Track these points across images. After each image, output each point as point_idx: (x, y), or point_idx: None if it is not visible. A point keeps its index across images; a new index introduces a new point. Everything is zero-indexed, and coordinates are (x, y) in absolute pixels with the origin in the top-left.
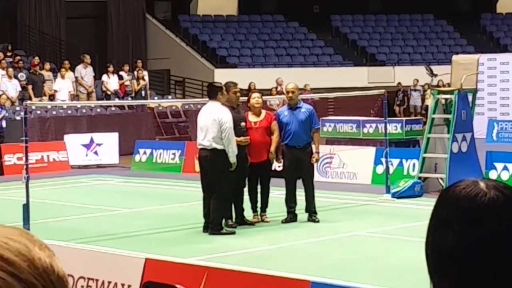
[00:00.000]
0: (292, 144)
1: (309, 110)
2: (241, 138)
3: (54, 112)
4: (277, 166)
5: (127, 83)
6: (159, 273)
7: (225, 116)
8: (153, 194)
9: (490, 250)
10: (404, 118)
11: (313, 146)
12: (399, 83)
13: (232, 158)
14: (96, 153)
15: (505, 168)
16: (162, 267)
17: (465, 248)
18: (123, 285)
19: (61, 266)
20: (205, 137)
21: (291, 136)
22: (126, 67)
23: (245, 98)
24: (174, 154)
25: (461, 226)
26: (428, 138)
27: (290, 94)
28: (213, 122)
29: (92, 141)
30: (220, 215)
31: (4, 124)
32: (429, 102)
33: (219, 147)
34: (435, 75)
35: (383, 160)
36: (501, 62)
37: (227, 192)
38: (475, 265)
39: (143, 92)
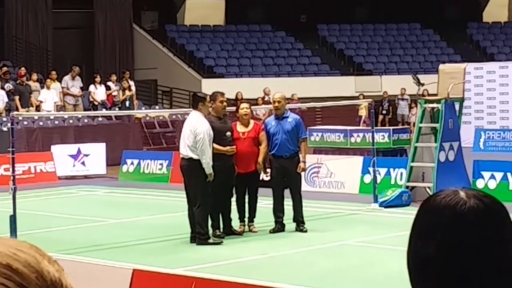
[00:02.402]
0: (278, 154)
1: (296, 120)
2: (227, 148)
3: (41, 123)
4: (264, 176)
5: (115, 93)
6: (146, 284)
7: (200, 127)
8: (140, 205)
9: (470, 258)
10: (391, 127)
11: (300, 156)
12: (384, 92)
13: (207, 169)
14: (83, 163)
15: (492, 177)
16: (150, 278)
17: (446, 256)
18: None
19: (70, 282)
20: (184, 147)
21: (278, 146)
22: (114, 77)
23: (233, 108)
24: (161, 164)
25: (442, 234)
26: (416, 147)
27: (277, 104)
28: (189, 132)
29: (79, 151)
30: (204, 225)
31: None
32: (363, 112)
33: (195, 156)
34: (422, 84)
35: (371, 169)
36: (487, 71)
37: (207, 201)
38: (456, 274)
39: (127, 103)
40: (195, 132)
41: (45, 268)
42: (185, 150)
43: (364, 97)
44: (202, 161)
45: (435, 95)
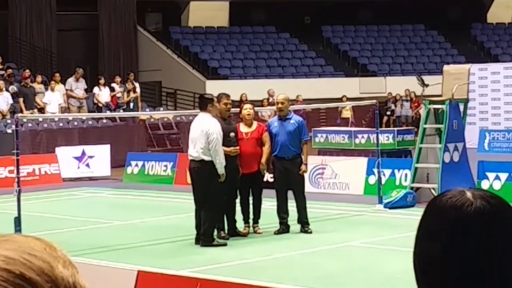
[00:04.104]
0: (280, 155)
1: (298, 122)
2: (231, 149)
3: (45, 125)
4: (269, 177)
5: (119, 95)
6: (151, 285)
7: (212, 127)
8: (145, 206)
9: (476, 259)
10: (395, 128)
11: (302, 157)
12: (389, 93)
13: (220, 169)
14: (88, 165)
15: (497, 177)
16: (155, 280)
17: (451, 257)
18: None
19: (83, 283)
20: (194, 149)
21: (279, 147)
22: (118, 79)
23: (237, 110)
24: (166, 166)
25: (448, 235)
26: (420, 148)
27: (280, 105)
28: (200, 133)
29: (83, 153)
30: (211, 227)
31: None
32: (348, 114)
33: (207, 158)
34: (426, 85)
35: (375, 170)
36: (492, 72)
37: (217, 203)
38: (462, 275)
39: (131, 104)
40: (208, 132)
41: (59, 275)
42: (195, 152)
43: (348, 99)
44: (216, 161)
45: (440, 96)
